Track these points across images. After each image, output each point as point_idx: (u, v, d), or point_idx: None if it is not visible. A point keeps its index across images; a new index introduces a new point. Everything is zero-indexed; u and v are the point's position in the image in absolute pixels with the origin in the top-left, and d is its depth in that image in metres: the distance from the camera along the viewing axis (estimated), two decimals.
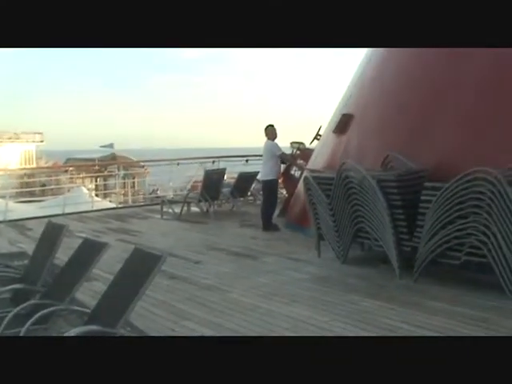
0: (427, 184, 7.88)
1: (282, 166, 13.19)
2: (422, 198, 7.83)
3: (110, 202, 22.30)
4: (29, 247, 8.22)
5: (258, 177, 12.47)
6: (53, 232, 7.10)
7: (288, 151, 14.19)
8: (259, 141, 12.66)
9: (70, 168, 26.23)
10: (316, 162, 12.18)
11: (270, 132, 12.39)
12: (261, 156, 12.98)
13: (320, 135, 13.72)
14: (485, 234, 7.13)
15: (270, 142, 12.36)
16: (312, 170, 11.26)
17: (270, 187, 12.42)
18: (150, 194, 27.85)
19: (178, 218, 14.30)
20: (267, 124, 12.49)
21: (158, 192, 26.43)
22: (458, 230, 7.38)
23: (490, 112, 8.57)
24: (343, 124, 11.34)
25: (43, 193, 26.43)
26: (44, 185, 28.04)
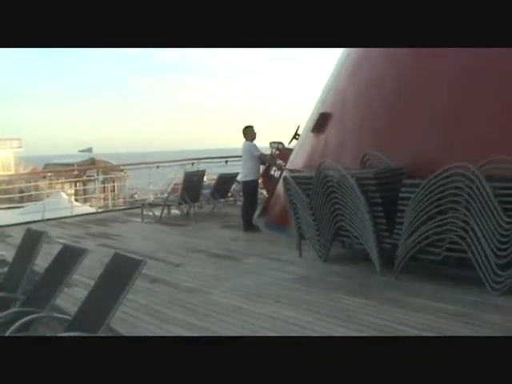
0: (406, 181, 7.92)
1: (262, 167, 13.23)
2: (401, 195, 7.87)
3: (90, 206, 22.14)
4: (8, 254, 8.14)
5: (238, 178, 12.48)
6: (32, 239, 7.06)
7: (267, 151, 14.23)
8: (239, 141, 12.67)
9: (49, 173, 26.06)
10: (295, 162, 12.20)
11: (249, 133, 12.41)
12: (240, 157, 12.99)
13: (299, 135, 13.73)
14: (464, 229, 7.18)
15: (248, 143, 12.36)
16: (291, 170, 11.27)
17: (250, 188, 12.42)
18: (130, 197, 27.77)
19: (159, 221, 14.26)
20: (245, 125, 12.53)
21: (136, 196, 26.33)
22: (438, 226, 7.43)
23: (466, 109, 8.64)
24: (321, 123, 11.37)
25: (22, 199, 26.23)
26: (23, 191, 27.80)
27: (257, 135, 12.50)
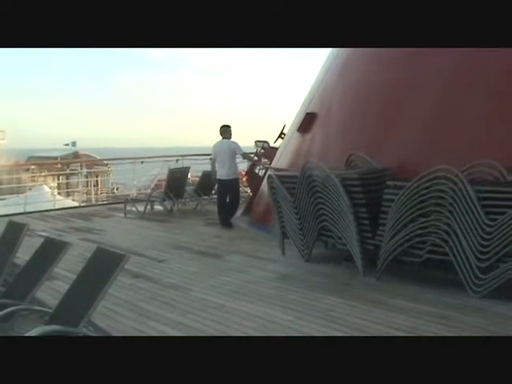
0: (389, 183, 7.94)
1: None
2: (385, 196, 7.89)
3: (73, 200, 22.00)
4: None
5: (223, 176, 12.39)
6: (13, 231, 7.02)
7: (252, 150, 14.32)
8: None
9: (32, 166, 25.85)
10: (280, 161, 12.22)
11: (228, 131, 12.59)
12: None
13: (284, 134, 13.76)
14: (446, 232, 7.22)
15: (230, 141, 12.50)
16: (276, 169, 11.28)
17: (236, 186, 12.66)
18: (112, 192, 27.64)
19: (142, 216, 14.21)
20: (223, 124, 12.71)
21: (115, 191, 26.16)
22: (420, 229, 7.46)
23: (451, 112, 8.69)
24: (307, 123, 11.39)
25: (4, 191, 26.03)
26: (0, 183, 27.54)
27: (235, 134, 12.80)
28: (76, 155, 41.13)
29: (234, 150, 12.36)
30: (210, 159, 12.98)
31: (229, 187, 12.43)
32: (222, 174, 12.39)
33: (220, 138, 12.61)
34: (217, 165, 12.52)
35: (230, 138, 12.57)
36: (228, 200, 12.58)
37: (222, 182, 12.50)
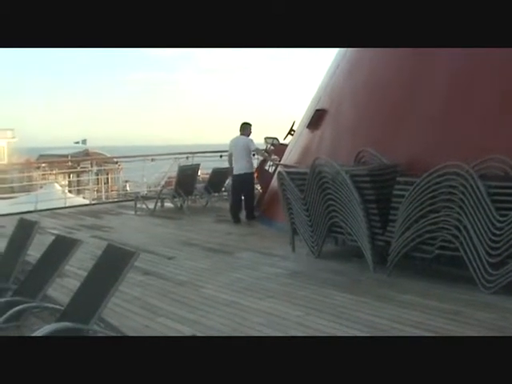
0: (399, 179, 7.93)
1: None
2: (395, 192, 7.87)
3: (84, 198, 22.09)
4: (0, 244, 8.12)
5: (240, 170, 12.43)
6: (25, 229, 7.06)
7: (262, 147, 14.36)
8: (232, 137, 12.85)
9: (43, 164, 25.96)
10: (290, 158, 12.22)
11: (247, 129, 12.75)
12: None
13: (294, 130, 13.76)
14: (457, 227, 7.19)
15: (246, 137, 12.63)
16: (286, 166, 11.28)
17: (252, 180, 12.83)
18: (123, 189, 27.72)
19: (152, 213, 14.25)
20: (244, 121, 12.87)
21: (127, 188, 26.24)
22: (431, 224, 7.44)
23: (460, 108, 8.66)
24: (316, 119, 11.37)
25: (15, 189, 26.14)
26: (13, 181, 27.69)
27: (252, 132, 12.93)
28: (86, 153, 41.22)
29: (248, 146, 12.45)
30: (227, 155, 13.07)
31: (245, 182, 12.53)
32: (238, 168, 12.47)
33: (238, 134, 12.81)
34: (233, 160, 12.62)
35: (247, 135, 12.74)
36: (243, 195, 12.66)
37: (237, 177, 12.56)
